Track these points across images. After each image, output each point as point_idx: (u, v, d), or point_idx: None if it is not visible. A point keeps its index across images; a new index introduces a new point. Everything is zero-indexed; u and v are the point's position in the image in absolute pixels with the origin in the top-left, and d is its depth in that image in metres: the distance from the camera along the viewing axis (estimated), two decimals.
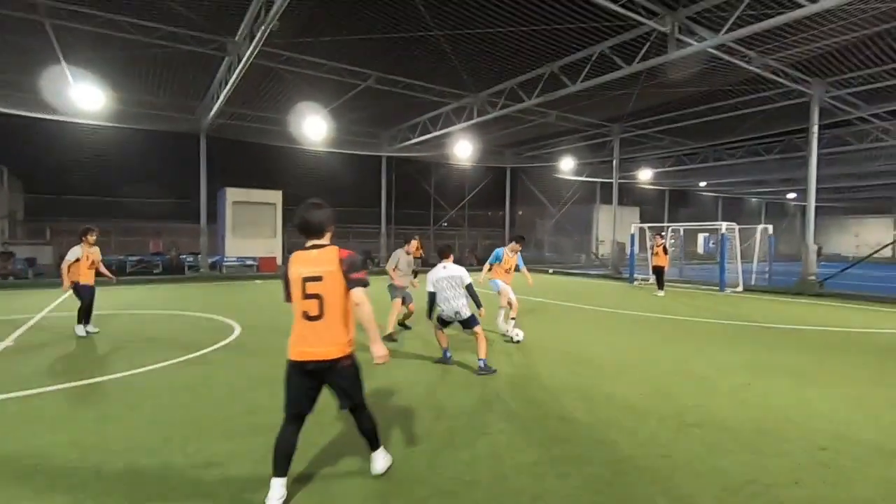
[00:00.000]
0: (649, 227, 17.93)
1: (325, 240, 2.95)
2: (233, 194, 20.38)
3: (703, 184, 31.92)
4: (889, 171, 22.51)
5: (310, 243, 2.93)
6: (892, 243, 22.45)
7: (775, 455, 3.52)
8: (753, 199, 40.49)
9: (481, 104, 15.85)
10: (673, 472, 3.25)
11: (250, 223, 20.82)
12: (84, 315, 7.41)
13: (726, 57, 11.22)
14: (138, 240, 22.84)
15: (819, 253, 38.10)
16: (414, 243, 8.14)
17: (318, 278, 2.82)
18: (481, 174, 26.76)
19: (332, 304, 2.84)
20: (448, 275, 5.83)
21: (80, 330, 7.33)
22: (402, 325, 8.20)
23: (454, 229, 30.65)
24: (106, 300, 11.34)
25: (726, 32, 9.34)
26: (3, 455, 3.39)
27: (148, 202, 23.30)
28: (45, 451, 3.45)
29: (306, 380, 2.90)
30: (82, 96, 13.03)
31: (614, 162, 20.10)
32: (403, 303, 7.80)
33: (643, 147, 22.35)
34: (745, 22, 9.16)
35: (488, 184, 27.29)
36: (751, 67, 11.87)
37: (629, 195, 31.22)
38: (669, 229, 17.98)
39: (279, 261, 21.04)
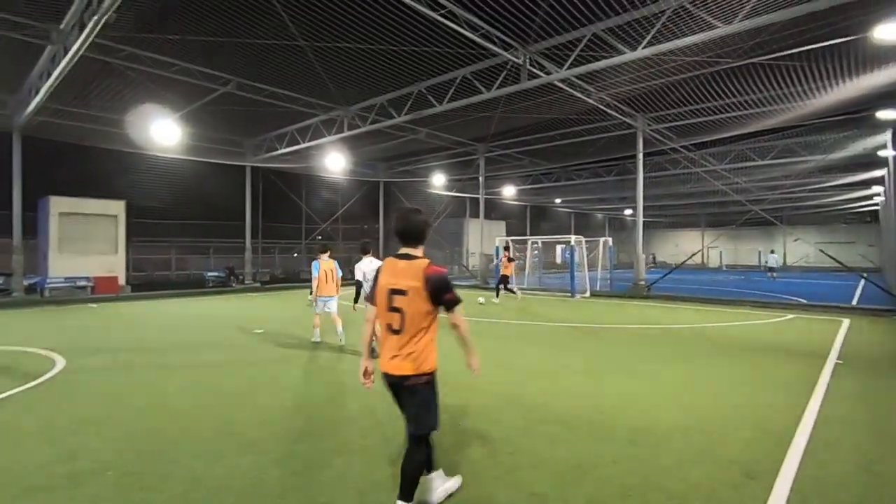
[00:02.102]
0: (512, 240, 19.34)
1: (419, 251, 2.88)
2: (59, 204, 17.43)
3: (558, 200, 35.40)
4: (697, 193, 27.24)
5: (403, 251, 2.86)
6: (697, 252, 27.14)
7: (600, 441, 4.05)
8: (599, 215, 45.91)
9: (351, 118, 15.80)
10: (516, 466, 3.57)
11: (83, 238, 17.99)
12: None
13: (570, 90, 12.70)
14: None
15: (654, 261, 44.49)
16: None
17: (402, 292, 2.74)
18: (354, 187, 26.55)
19: (413, 320, 2.73)
20: (374, 267, 6.25)
21: None
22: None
23: (328, 243, 29.83)
24: None
25: (567, 69, 10.61)
26: None
27: None
28: None
29: (390, 390, 2.85)
30: None
31: (480, 179, 21.39)
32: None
33: (506, 165, 24.13)
34: (582, 61, 10.51)
35: (361, 197, 27.15)
36: (590, 100, 13.59)
37: (496, 210, 33.37)
38: (530, 242, 19.61)
39: (122, 280, 18.50)
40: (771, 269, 26.22)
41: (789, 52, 10.32)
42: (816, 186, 23.94)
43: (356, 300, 7.10)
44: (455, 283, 20.02)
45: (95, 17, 8.13)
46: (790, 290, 17.81)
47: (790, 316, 11.62)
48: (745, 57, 10.88)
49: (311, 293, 8.71)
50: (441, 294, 2.75)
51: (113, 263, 18.62)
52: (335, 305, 8.22)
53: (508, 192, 28.19)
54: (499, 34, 10.26)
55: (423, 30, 10.19)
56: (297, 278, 25.64)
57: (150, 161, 19.23)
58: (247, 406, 4.98)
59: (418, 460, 2.81)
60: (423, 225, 2.91)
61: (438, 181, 24.47)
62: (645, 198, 16.93)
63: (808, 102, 13.23)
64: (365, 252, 7.27)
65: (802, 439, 4.07)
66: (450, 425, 4.32)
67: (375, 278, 2.90)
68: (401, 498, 2.74)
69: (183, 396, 5.32)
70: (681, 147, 18.22)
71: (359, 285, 7.07)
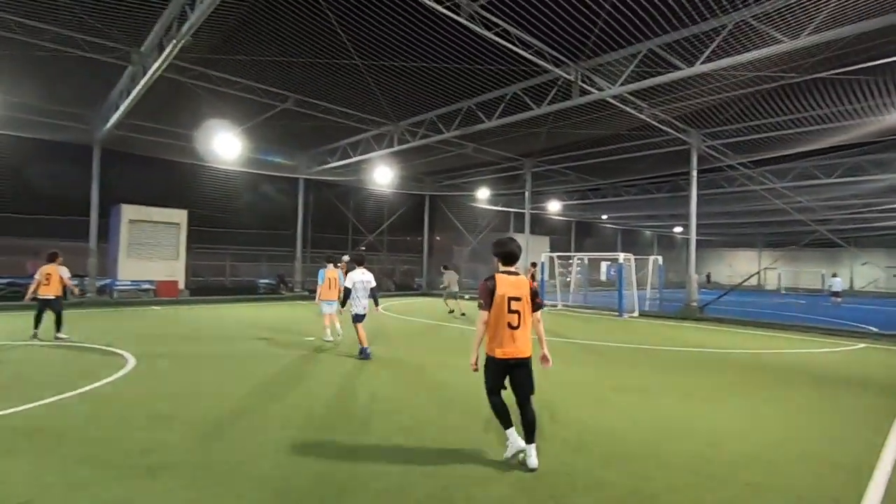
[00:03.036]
0: (557, 256, 19.13)
1: (515, 268, 3.96)
2: (129, 212, 18.73)
3: (604, 216, 34.71)
4: (753, 211, 26.04)
5: (508, 269, 3.94)
6: (755, 274, 25.80)
7: (657, 466, 3.93)
8: (647, 232, 44.62)
9: (401, 133, 16.19)
10: (571, 488, 3.52)
11: (149, 244, 19.20)
12: None
13: (622, 106, 12.53)
14: (12, 259, 20.06)
15: (708, 280, 42.67)
16: None
17: (518, 299, 3.82)
18: (401, 200, 27.01)
19: (525, 319, 3.87)
20: (366, 278, 7.97)
21: None
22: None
23: (372, 254, 30.42)
24: None
25: (621, 85, 10.50)
26: None
27: (22, 217, 20.65)
28: None
29: (503, 371, 3.86)
30: None
31: (526, 194, 21.31)
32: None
33: (552, 181, 23.94)
34: (636, 77, 10.38)
35: (407, 210, 27.57)
36: (642, 116, 13.34)
37: (540, 225, 33.07)
38: (575, 258, 19.30)
39: (182, 285, 19.56)
40: (835, 294, 24.58)
41: (860, 66, 9.81)
42: (888, 207, 22.38)
43: (343, 304, 8.37)
44: None
45: (174, 41, 8.80)
46: (859, 317, 16.64)
47: (861, 345, 10.85)
48: (812, 71, 10.43)
49: (316, 299, 10.09)
50: (535, 299, 3.97)
51: (174, 268, 19.74)
52: (334, 308, 9.48)
53: (553, 207, 27.92)
54: (551, 51, 10.30)
55: (475, 48, 10.38)
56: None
57: (211, 172, 20.35)
58: (306, 409, 5.14)
59: (533, 411, 3.91)
60: (519, 250, 4.01)
61: (483, 195, 24.56)
62: (698, 216, 16.36)
63: (881, 118, 12.48)
64: (359, 264, 8.21)
65: (883, 475, 3.81)
66: (496, 432, 4.32)
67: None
68: (528, 441, 3.86)
69: (246, 397, 5.56)
70: (738, 164, 17.54)
71: (347, 292, 7.95)
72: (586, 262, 20.93)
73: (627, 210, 29.43)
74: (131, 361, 7.32)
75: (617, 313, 15.89)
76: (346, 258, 10.35)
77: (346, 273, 8.84)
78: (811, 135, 14.38)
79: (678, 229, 39.34)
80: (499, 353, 3.79)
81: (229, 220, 23.57)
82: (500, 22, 9.15)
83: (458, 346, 9.69)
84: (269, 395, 5.74)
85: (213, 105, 14.34)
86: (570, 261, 21.25)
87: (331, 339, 9.47)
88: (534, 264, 15.88)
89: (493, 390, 3.90)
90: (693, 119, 14.40)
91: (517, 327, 3.79)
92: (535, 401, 3.94)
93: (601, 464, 3.95)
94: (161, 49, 9.64)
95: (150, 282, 18.63)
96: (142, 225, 19.07)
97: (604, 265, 39.22)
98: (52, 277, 9.08)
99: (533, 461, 3.77)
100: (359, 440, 4.32)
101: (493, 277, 3.88)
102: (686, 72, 9.67)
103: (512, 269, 3.93)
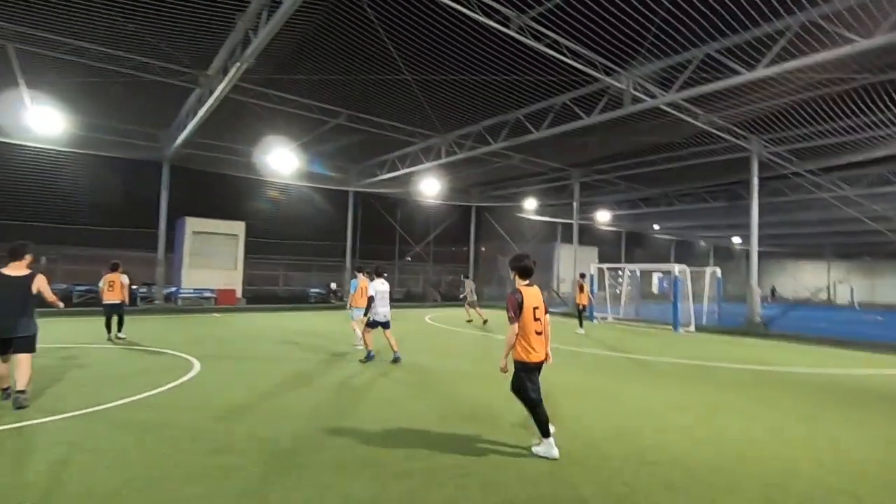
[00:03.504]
0: (607, 267, 18.65)
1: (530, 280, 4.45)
2: (193, 224, 19.88)
3: (656, 227, 33.58)
4: (821, 221, 24.43)
5: (527, 282, 4.41)
6: (824, 288, 24.10)
7: (726, 491, 3.74)
8: (702, 242, 42.74)
9: (449, 145, 16.38)
10: None
11: (210, 254, 20.28)
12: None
13: (676, 113, 12.15)
14: (88, 268, 21.74)
15: (773, 294, 40.26)
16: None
17: (538, 308, 4.36)
18: (447, 211, 27.24)
19: (546, 325, 4.43)
20: (385, 288, 8.55)
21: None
22: None
23: (419, 264, 30.76)
24: (53, 332, 10.76)
25: (676, 92, 10.19)
26: None
27: (100, 229, 22.35)
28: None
29: (537, 374, 4.36)
30: (39, 120, 12.68)
31: (574, 204, 20.99)
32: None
33: (601, 191, 23.46)
34: (692, 83, 10.05)
35: (454, 221, 27.76)
36: (698, 123, 12.88)
37: (588, 235, 32.39)
38: (626, 269, 18.75)
39: (239, 293, 20.49)
40: None
41: None
42: None
43: (366, 313, 8.77)
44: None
45: (238, 64, 9.34)
46: None
47: None
48: (887, 71, 9.75)
49: (348, 306, 10.67)
50: (549, 306, 4.56)
51: (232, 278, 20.72)
52: (361, 314, 9.78)
53: (602, 217, 27.30)
54: (602, 60, 10.17)
55: (523, 59, 10.41)
56: (390, 297, 26.67)
57: (267, 186, 21.34)
58: (362, 417, 5.25)
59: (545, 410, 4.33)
60: (534, 265, 4.52)
61: (530, 206, 24.38)
62: (760, 225, 15.53)
63: None
64: (379, 275, 8.72)
65: None
66: (549, 466, 4.25)
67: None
68: (544, 435, 4.28)
69: (304, 405, 5.73)
70: (804, 171, 16.56)
71: (370, 300, 8.43)
72: (638, 273, 20.26)
73: (681, 220, 28.36)
74: (196, 365, 7.72)
75: (672, 327, 15.26)
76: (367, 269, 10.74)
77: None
78: (887, 138, 13.39)
79: (736, 239, 37.45)
80: (532, 358, 4.29)
81: (283, 231, 24.59)
82: (549, 33, 9.15)
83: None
84: (323, 401, 5.89)
85: (271, 122, 15.06)
86: (619, 272, 20.65)
87: (360, 344, 9.63)
88: (582, 275, 15.55)
89: (535, 392, 4.29)
90: (754, 125, 13.76)
91: (541, 333, 4.34)
92: (597, 418, 3.86)
93: (664, 487, 3.80)
94: (226, 72, 10.26)
95: (211, 290, 19.62)
96: (204, 236, 20.19)
97: (655, 277, 37.85)
98: (115, 284, 10.14)
99: (555, 452, 4.26)
100: (425, 441, 4.35)
101: (519, 291, 4.31)
102: (747, 76, 9.28)
103: (527, 282, 4.41)
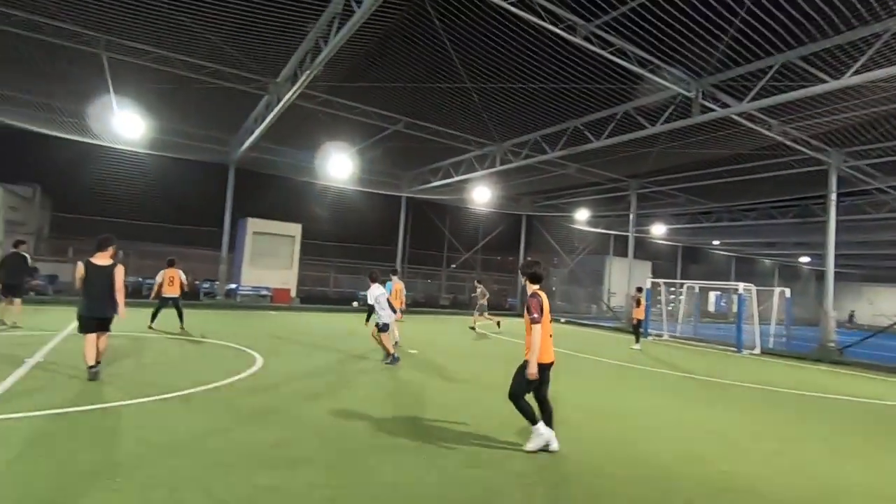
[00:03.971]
0: (665, 283, 17.94)
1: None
2: (253, 224, 20.78)
3: (716, 242, 32.02)
4: None
5: (537, 287, 4.66)
6: None
7: None
8: (767, 261, 40.37)
9: (504, 153, 16.32)
10: None
11: (268, 254, 21.11)
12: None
13: (748, 123, 11.57)
14: (156, 263, 23.14)
15: (850, 319, 37.36)
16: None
17: (549, 312, 4.66)
18: (497, 219, 27.10)
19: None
20: (382, 292, 8.62)
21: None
22: None
23: (466, 272, 30.74)
24: (126, 322, 11.46)
25: (751, 101, 9.70)
26: (44, 471, 3.42)
27: (168, 227, 23.76)
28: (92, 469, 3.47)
29: (543, 373, 4.51)
30: (124, 124, 13.65)
31: (631, 216, 20.36)
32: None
33: (659, 203, 22.63)
34: (768, 93, 9.53)
35: (503, 229, 27.58)
36: (771, 134, 12.20)
37: (642, 249, 31.29)
38: (685, 286, 17.96)
39: (293, 293, 21.18)
40: None
41: None
42: None
43: (367, 319, 8.90)
44: (597, 324, 19.06)
45: (308, 71, 9.70)
46: None
47: None
48: None
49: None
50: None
51: (287, 277, 21.46)
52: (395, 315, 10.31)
53: (657, 230, 26.32)
54: (670, 68, 9.84)
55: (586, 67, 10.23)
56: (436, 303, 26.76)
57: (324, 190, 21.99)
58: (424, 417, 5.25)
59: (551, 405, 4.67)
60: (544, 272, 4.81)
61: (583, 216, 23.86)
62: (835, 245, 14.46)
63: None
64: (373, 280, 8.75)
65: None
66: (614, 485, 4.08)
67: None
68: (547, 424, 4.54)
69: (365, 402, 5.80)
70: (887, 188, 15.33)
71: (371, 308, 8.62)
72: (697, 290, 19.36)
73: (744, 236, 26.88)
74: (259, 360, 8.00)
75: (735, 349, 14.45)
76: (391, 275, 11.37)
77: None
78: None
79: (805, 259, 35.14)
80: (545, 359, 4.49)
81: (336, 234, 25.27)
82: (616, 40, 8.95)
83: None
84: (378, 399, 5.94)
85: (331, 128, 15.53)
86: (676, 288, 19.80)
87: (397, 343, 10.26)
88: (639, 289, 15.02)
89: (527, 392, 4.49)
90: (834, 137, 12.88)
91: (551, 336, 4.63)
92: (665, 439, 3.66)
93: None
94: (295, 79, 10.69)
95: (268, 288, 20.39)
96: (263, 237, 21.05)
97: (712, 295, 36.04)
98: (174, 280, 10.78)
99: (556, 444, 4.46)
100: (487, 445, 4.30)
101: (537, 295, 4.53)
102: (831, 85, 8.71)
103: (538, 286, 4.66)
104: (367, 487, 3.56)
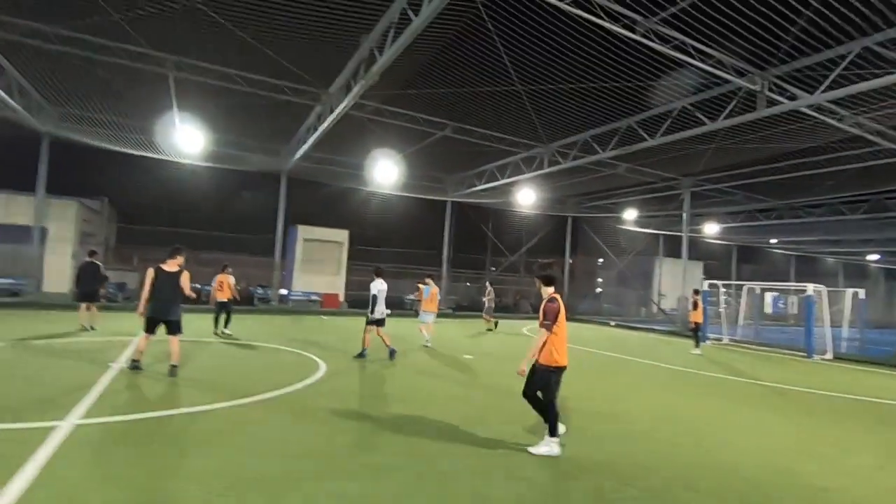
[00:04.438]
0: (722, 284, 17.19)
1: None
2: (303, 231, 21.36)
3: (773, 241, 30.46)
4: None
5: (552, 289, 4.58)
6: None
7: None
8: (830, 259, 38.07)
9: (552, 154, 16.09)
10: None
11: (317, 260, 21.64)
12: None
13: (817, 115, 10.93)
14: (214, 271, 24.16)
15: None
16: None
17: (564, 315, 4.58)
18: (542, 222, 26.76)
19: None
20: (385, 287, 8.98)
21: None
22: None
23: (510, 275, 30.51)
24: (191, 327, 12.00)
25: (823, 91, 9.16)
26: (146, 473, 3.59)
27: (225, 236, 24.79)
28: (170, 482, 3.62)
29: (560, 375, 4.49)
30: (185, 139, 14.34)
31: (684, 215, 19.64)
32: None
33: (712, 201, 21.76)
34: (843, 82, 8.97)
35: (549, 232, 27.20)
36: (843, 126, 11.48)
37: (693, 249, 30.11)
38: (745, 287, 17.15)
39: (342, 297, 21.61)
40: None
41: None
42: None
43: (372, 310, 8.94)
44: (650, 327, 18.45)
45: (362, 81, 9.89)
46: None
47: None
48: None
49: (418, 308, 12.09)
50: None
51: (336, 282, 21.94)
52: (432, 318, 11.54)
53: (710, 229, 25.29)
54: (734, 61, 9.43)
55: (642, 63, 9.96)
56: (480, 307, 26.64)
57: (370, 196, 22.37)
58: (487, 419, 5.21)
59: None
60: (559, 275, 4.71)
61: (631, 217, 23.23)
62: None
63: None
64: (378, 275, 9.07)
65: None
66: (711, 481, 3.89)
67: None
68: (553, 434, 4.43)
69: (430, 406, 5.81)
70: None
71: (374, 299, 8.82)
72: (758, 291, 18.42)
73: (805, 233, 25.44)
74: (322, 365, 8.18)
75: (804, 354, 13.65)
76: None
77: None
78: None
79: (873, 257, 32.90)
80: (563, 362, 4.43)
81: (382, 239, 25.67)
82: (677, 36, 8.66)
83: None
84: (439, 402, 5.94)
85: (379, 135, 15.78)
86: (732, 290, 18.92)
87: (429, 343, 11.03)
88: (696, 291, 14.48)
89: (554, 396, 4.46)
90: None
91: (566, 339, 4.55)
92: (745, 450, 3.44)
93: None
94: (349, 89, 10.91)
95: (317, 293, 20.89)
96: (312, 243, 21.60)
97: (769, 296, 34.25)
98: (224, 284, 11.10)
99: (558, 449, 4.44)
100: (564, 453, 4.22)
101: (555, 300, 4.46)
102: None
103: (553, 289, 4.59)
104: (445, 500, 3.55)
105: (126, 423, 4.75)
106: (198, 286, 21.32)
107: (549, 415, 4.48)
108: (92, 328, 10.50)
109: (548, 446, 4.41)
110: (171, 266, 6.84)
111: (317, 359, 8.73)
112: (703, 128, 11.39)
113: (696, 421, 6.18)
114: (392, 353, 9.02)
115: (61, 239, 18.34)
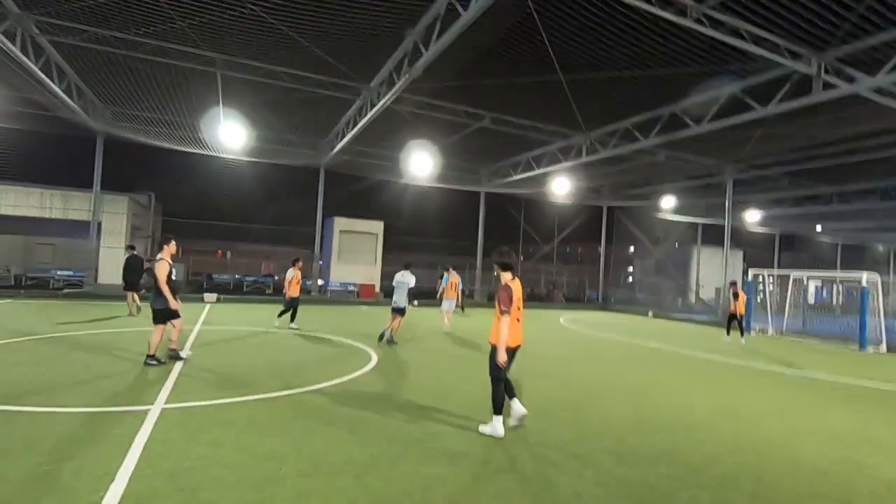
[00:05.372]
0: (767, 273, 16.73)
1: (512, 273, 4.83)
2: (340, 223, 21.79)
3: (819, 228, 29.32)
4: None
5: (510, 276, 4.77)
6: None
7: None
8: (880, 246, 36.40)
9: (590, 143, 15.89)
10: None
11: (353, 251, 22.07)
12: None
13: (878, 98, 10.45)
14: (253, 262, 24.98)
15: None
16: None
17: (521, 300, 4.78)
18: (576, 211, 26.51)
19: (521, 313, 4.82)
20: (405, 279, 9.61)
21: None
22: None
23: (543, 264, 30.38)
24: (236, 316, 12.50)
25: (889, 72, 8.76)
26: (239, 457, 3.84)
27: (262, 228, 25.55)
28: (277, 457, 3.86)
29: (511, 357, 4.70)
30: (229, 135, 14.77)
31: (727, 203, 19.12)
32: None
33: (756, 188, 21.10)
34: None
35: (583, 221, 26.95)
36: None
37: (733, 238, 29.31)
38: (792, 277, 16.63)
39: (377, 288, 22.00)
40: None
41: None
42: None
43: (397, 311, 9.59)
44: (689, 317, 18.07)
45: (406, 76, 9.99)
46: None
47: None
48: None
49: (438, 296, 13.07)
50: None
51: (372, 273, 22.32)
52: (452, 306, 12.67)
53: (752, 217, 24.50)
54: (789, 44, 9.10)
55: (690, 49, 9.72)
56: None
57: (403, 188, 22.59)
58: (555, 418, 5.31)
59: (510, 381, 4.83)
60: (516, 261, 5.20)
61: (668, 205, 22.72)
62: None
63: None
64: (406, 268, 9.88)
65: None
66: (785, 476, 3.90)
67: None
68: (497, 412, 4.64)
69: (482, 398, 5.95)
70: None
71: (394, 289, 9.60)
72: (805, 280, 17.83)
73: (855, 220, 24.40)
74: (373, 354, 8.42)
75: (855, 345, 13.21)
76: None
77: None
78: None
79: None
80: (512, 344, 4.65)
81: (417, 230, 26.03)
82: (730, 19, 8.42)
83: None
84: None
85: (417, 128, 15.88)
86: (774, 279, 18.36)
87: (449, 329, 11.77)
88: (734, 283, 14.15)
89: (501, 374, 4.66)
90: None
91: (519, 321, 4.76)
92: (814, 444, 3.39)
93: None
94: (391, 83, 11.04)
95: (354, 284, 21.32)
96: (349, 235, 22.02)
97: (812, 285, 33.01)
98: (295, 279, 11.13)
99: (521, 409, 4.78)
100: (623, 446, 4.29)
101: (509, 286, 4.65)
102: None
103: (510, 275, 4.77)
104: (510, 497, 3.68)
105: (207, 407, 5.05)
106: (234, 276, 22.13)
107: (494, 393, 4.65)
108: (131, 314, 11.58)
109: (491, 426, 4.62)
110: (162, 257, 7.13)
111: (365, 347, 8.99)
112: (753, 114, 11.06)
113: (756, 413, 6.13)
114: (384, 338, 9.46)
115: (114, 233, 19.25)
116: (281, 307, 11.25)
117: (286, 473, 3.57)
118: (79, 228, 18.71)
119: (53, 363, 6.73)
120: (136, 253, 12.59)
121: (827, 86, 9.59)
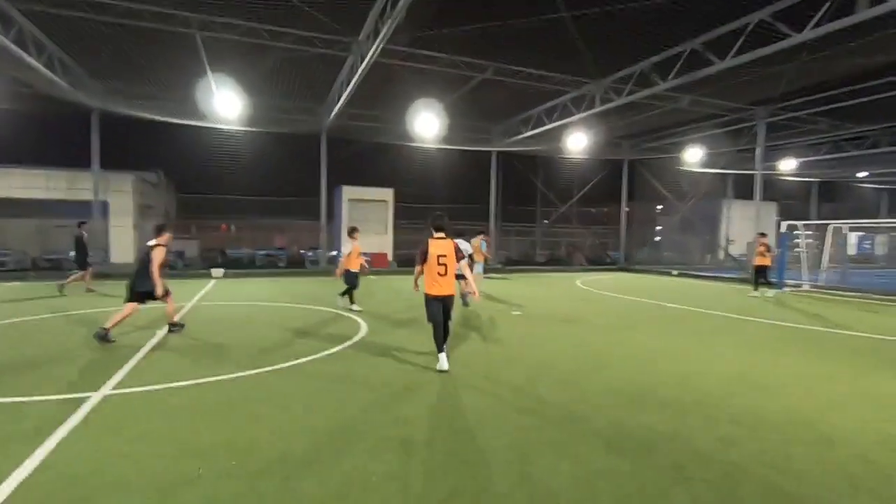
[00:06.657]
0: (803, 224, 15.45)
1: (443, 234, 5.58)
2: (348, 192, 21.20)
3: (862, 174, 27.19)
4: None
5: (438, 236, 5.56)
6: None
7: None
8: None
9: (604, 91, 14.64)
10: None
11: (364, 220, 21.50)
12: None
13: None
14: (265, 235, 24.77)
15: None
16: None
17: (444, 255, 5.47)
18: (594, 168, 25.13)
19: (451, 268, 5.51)
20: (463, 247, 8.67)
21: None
22: None
23: (562, 226, 29.31)
24: (238, 291, 12.18)
25: None
26: (164, 453, 3.36)
27: (273, 200, 25.15)
28: (206, 452, 3.36)
29: (438, 303, 5.52)
30: (223, 104, 14.16)
31: (758, 151, 17.59)
32: None
33: (792, 132, 19.39)
34: None
35: (602, 178, 25.59)
36: None
37: (766, 189, 27.44)
38: (830, 227, 15.33)
39: (390, 256, 21.52)
40: None
41: None
42: None
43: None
44: (717, 275, 17.10)
45: (389, 21, 9.07)
46: None
47: None
48: None
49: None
50: (460, 253, 5.61)
51: (383, 242, 21.82)
52: (480, 268, 12.24)
53: (787, 165, 22.73)
54: None
55: None
56: (531, 261, 25.87)
57: (411, 151, 21.68)
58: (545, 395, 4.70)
59: (449, 328, 5.70)
60: (446, 223, 5.66)
61: (694, 157, 21.18)
62: None
63: None
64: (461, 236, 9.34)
65: None
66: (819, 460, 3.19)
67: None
68: (440, 350, 5.49)
69: (476, 378, 5.38)
70: None
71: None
72: (845, 232, 16.45)
73: None
74: (362, 325, 7.91)
75: None
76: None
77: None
78: None
79: None
80: (434, 292, 5.49)
81: (427, 196, 25.12)
82: None
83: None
84: (490, 362, 5.47)
85: (416, 85, 14.91)
86: (813, 231, 17.02)
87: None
88: (762, 234, 13.18)
89: (432, 318, 5.51)
90: None
91: (444, 275, 5.47)
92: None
93: None
94: (377, 33, 10.13)
95: (366, 254, 20.82)
96: (358, 203, 21.44)
97: (853, 236, 30.98)
98: (354, 252, 9.42)
99: (445, 364, 5.40)
100: (628, 429, 3.64)
101: (426, 243, 5.50)
102: None
103: (441, 235, 5.55)
104: (496, 479, 3.08)
105: (155, 392, 4.60)
106: (285, 250, 21.80)
107: (433, 332, 5.56)
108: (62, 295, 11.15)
109: (440, 362, 5.43)
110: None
111: (359, 319, 8.50)
112: (787, 41, 9.68)
113: (782, 380, 5.35)
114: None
115: (122, 212, 19.16)
116: (294, 280, 10.76)
117: (205, 474, 3.06)
118: (88, 210, 18.66)
119: (19, 347, 6.43)
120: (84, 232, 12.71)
121: (875, 0, 8.22)
